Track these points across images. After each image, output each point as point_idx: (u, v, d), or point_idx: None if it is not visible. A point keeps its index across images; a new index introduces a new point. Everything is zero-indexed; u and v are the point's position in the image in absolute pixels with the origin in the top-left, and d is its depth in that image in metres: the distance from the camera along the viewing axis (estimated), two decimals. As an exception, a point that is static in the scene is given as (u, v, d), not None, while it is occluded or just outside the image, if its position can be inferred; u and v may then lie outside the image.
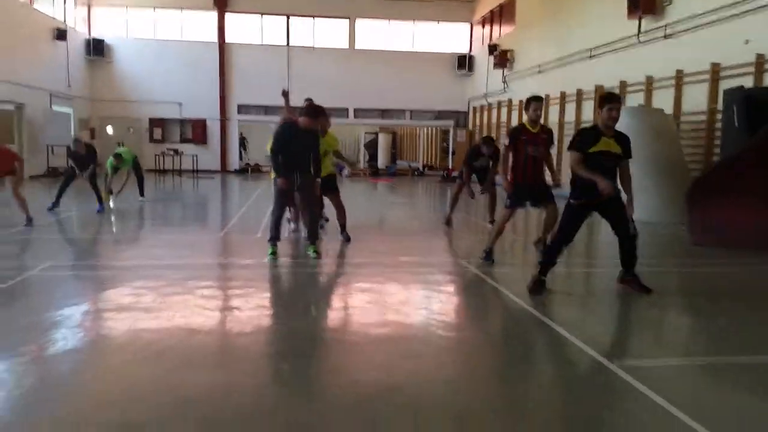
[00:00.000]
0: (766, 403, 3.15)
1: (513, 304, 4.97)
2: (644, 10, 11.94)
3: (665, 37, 11.61)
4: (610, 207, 5.11)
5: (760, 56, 9.24)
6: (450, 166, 23.29)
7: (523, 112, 6.52)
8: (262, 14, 23.71)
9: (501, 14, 21.50)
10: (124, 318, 4.32)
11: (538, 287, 5.14)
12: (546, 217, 6.62)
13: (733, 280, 6.09)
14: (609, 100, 4.98)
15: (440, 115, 24.68)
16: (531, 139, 6.26)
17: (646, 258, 6.09)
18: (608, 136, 5.00)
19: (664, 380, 3.35)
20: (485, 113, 22.26)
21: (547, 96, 16.80)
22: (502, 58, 20.11)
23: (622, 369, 3.44)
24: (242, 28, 23.65)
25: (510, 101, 19.60)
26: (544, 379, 3.49)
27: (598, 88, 14.07)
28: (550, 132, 6.54)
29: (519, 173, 6.32)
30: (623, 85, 13.05)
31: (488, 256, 6.33)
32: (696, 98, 10.72)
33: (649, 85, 12.13)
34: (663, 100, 11.51)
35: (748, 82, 9.24)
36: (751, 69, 9.36)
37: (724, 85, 9.75)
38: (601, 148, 4.96)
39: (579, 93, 15.07)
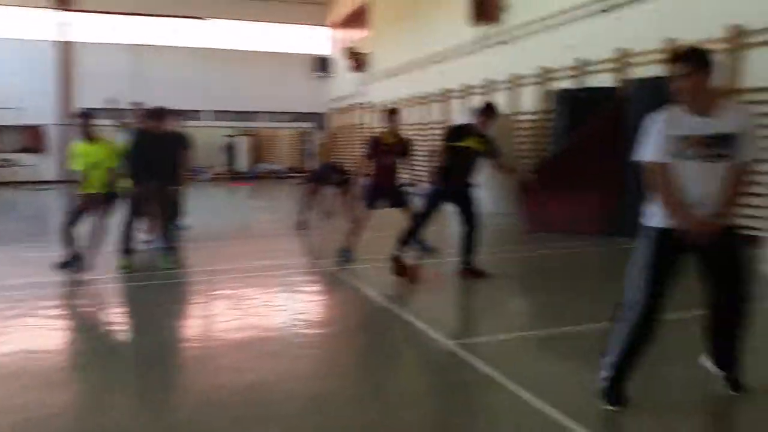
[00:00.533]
0: (577, 365, 3.69)
1: (368, 299, 5.28)
2: (485, 18, 12.91)
3: (502, 43, 12.66)
4: (462, 198, 5.71)
5: (579, 60, 10.41)
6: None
7: (384, 120, 6.86)
8: (110, 13, 22.28)
9: (356, 18, 22.06)
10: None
11: (398, 269, 5.73)
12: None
13: (557, 262, 6.91)
14: (488, 110, 5.85)
15: (300, 117, 24.76)
16: (388, 148, 6.63)
17: (487, 246, 6.69)
18: (476, 135, 5.79)
19: (495, 353, 3.81)
20: (345, 115, 22.72)
21: (401, 99, 17.59)
22: (358, 61, 20.65)
23: (461, 347, 3.86)
24: (89, 26, 22.05)
25: (368, 104, 20.19)
26: (394, 363, 3.81)
27: (446, 91, 14.99)
28: (406, 142, 6.98)
29: (376, 179, 6.69)
30: (467, 87, 14.02)
31: (346, 255, 6.61)
32: (529, 99, 11.83)
33: (490, 87, 13.16)
34: (501, 101, 12.56)
35: (571, 84, 10.39)
36: (573, 72, 10.53)
37: (553, 86, 10.86)
38: (466, 144, 5.76)
39: (429, 96, 15.93)
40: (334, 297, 5.61)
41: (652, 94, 7.69)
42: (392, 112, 6.84)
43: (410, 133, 16.91)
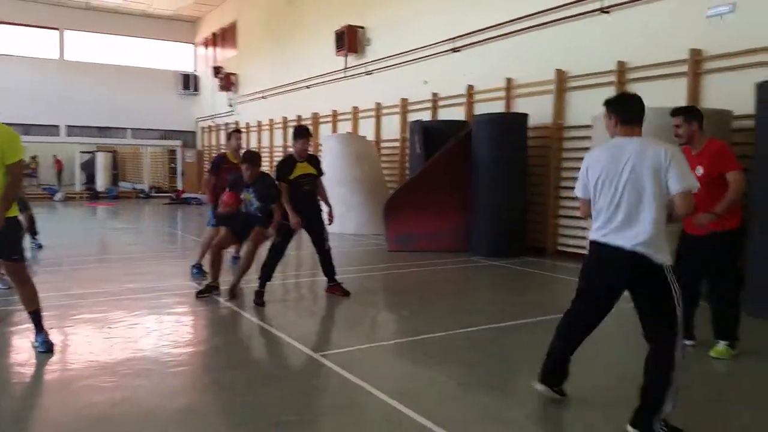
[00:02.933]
0: (426, 367, 4.26)
1: (236, 317, 5.57)
2: (349, 48, 13.65)
3: (367, 73, 13.44)
4: (312, 226, 6.13)
5: (434, 94, 11.40)
6: (180, 188, 22.87)
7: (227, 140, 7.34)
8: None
9: (224, 37, 22.02)
10: None
11: (260, 299, 5.89)
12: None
13: (415, 278, 7.59)
14: (302, 134, 6.08)
15: (166, 134, 24.10)
16: (231, 168, 6.94)
17: (355, 265, 7.24)
18: (302, 161, 6.07)
19: (355, 361, 4.28)
20: (213, 134, 22.50)
21: (271, 120, 17.86)
22: (226, 80, 20.63)
23: (325, 357, 4.30)
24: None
25: (237, 123, 20.21)
26: (262, 375, 4.14)
27: (315, 116, 15.54)
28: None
29: (217, 196, 6.92)
30: (335, 113, 14.67)
31: (198, 268, 7.18)
32: (392, 127, 12.68)
33: (356, 114, 13.88)
34: (367, 128, 13.33)
35: (427, 116, 11.34)
36: (429, 105, 11.50)
37: (411, 117, 11.77)
38: (300, 173, 6.01)
39: (299, 119, 16.38)
40: (203, 316, 5.80)
41: (491, 128, 8.78)
42: (232, 133, 7.28)
43: (282, 155, 17.28)
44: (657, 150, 2.95)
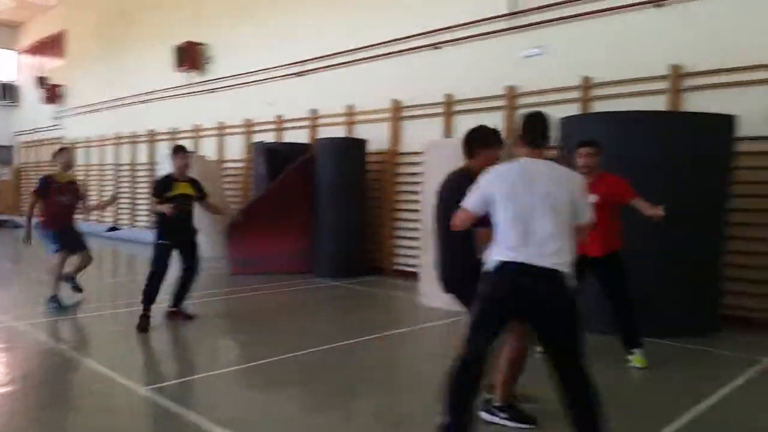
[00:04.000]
0: (263, 392, 4.27)
1: (55, 352, 5.14)
2: (189, 64, 13.26)
3: (209, 91, 13.14)
4: (185, 246, 6.10)
5: (278, 117, 11.46)
6: (-7, 208, 20.45)
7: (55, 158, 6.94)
8: None
9: (50, 45, 20.23)
10: None
11: (145, 324, 5.76)
12: (80, 260, 6.97)
13: (258, 301, 7.55)
14: (182, 150, 6.07)
15: (-22, 149, 21.49)
16: (61, 187, 6.62)
17: (197, 290, 6.99)
18: (182, 181, 6.01)
19: (187, 393, 4.17)
20: (34, 150, 20.49)
21: (102, 136, 16.72)
22: (52, 92, 18.97)
23: (154, 391, 4.11)
24: None
25: (62, 139, 18.61)
26: (83, 416, 3.87)
27: (151, 133, 14.83)
28: (80, 183, 7.06)
29: (49, 220, 6.56)
30: (174, 131, 14.12)
31: (55, 301, 6.60)
32: (235, 147, 12.49)
33: (198, 133, 13.49)
34: (209, 147, 13.00)
35: (272, 137, 11.36)
36: (274, 126, 11.54)
37: (256, 137, 11.71)
38: (179, 192, 5.95)
39: (134, 135, 15.52)
40: (15, 353, 5.29)
41: (333, 152, 9.06)
42: (59, 151, 6.89)
43: (112, 173, 16.21)
44: (572, 177, 3.03)
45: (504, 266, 2.88)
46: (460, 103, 8.62)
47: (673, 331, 5.59)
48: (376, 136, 9.49)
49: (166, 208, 5.74)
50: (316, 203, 9.12)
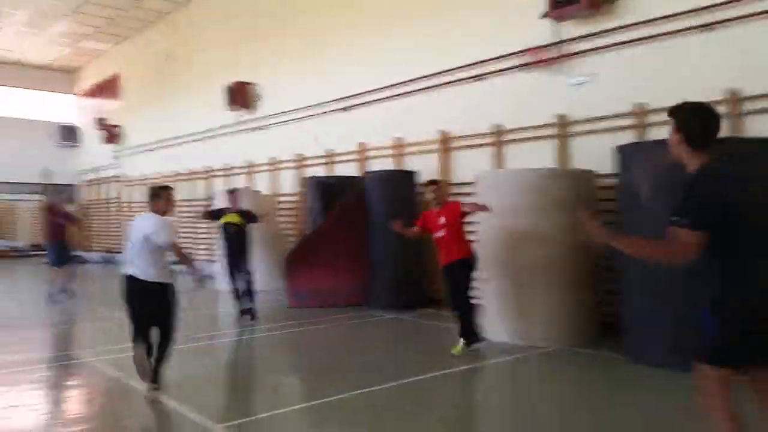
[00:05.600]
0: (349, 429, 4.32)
1: (128, 389, 5.35)
2: (240, 103, 13.77)
3: (259, 128, 13.59)
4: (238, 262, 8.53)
5: (328, 151, 11.75)
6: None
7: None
8: None
9: (107, 88, 21.29)
10: None
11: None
12: None
13: (318, 336, 7.67)
14: (231, 191, 8.71)
15: (45, 188, 22.60)
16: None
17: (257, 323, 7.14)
18: (232, 212, 8.49)
19: (263, 429, 4.26)
20: (97, 188, 21.48)
21: (159, 174, 17.41)
22: (110, 132, 19.91)
23: (229, 429, 4.23)
24: None
25: (122, 177, 19.48)
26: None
27: (207, 169, 15.38)
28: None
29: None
30: (229, 168, 14.61)
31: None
32: (288, 182, 12.83)
33: (251, 168, 13.92)
34: (263, 182, 13.39)
35: (323, 171, 11.64)
36: (324, 161, 11.82)
37: (308, 171, 12.02)
38: (227, 220, 8.42)
39: (191, 172, 16.11)
40: (93, 389, 5.56)
41: (383, 184, 9.23)
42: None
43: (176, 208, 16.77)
44: None
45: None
46: (510, 133, 8.68)
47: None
48: (425, 168, 9.61)
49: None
50: (369, 235, 9.26)
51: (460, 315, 6.26)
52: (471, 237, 6.78)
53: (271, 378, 5.92)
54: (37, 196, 22.49)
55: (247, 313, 8.32)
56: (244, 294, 8.35)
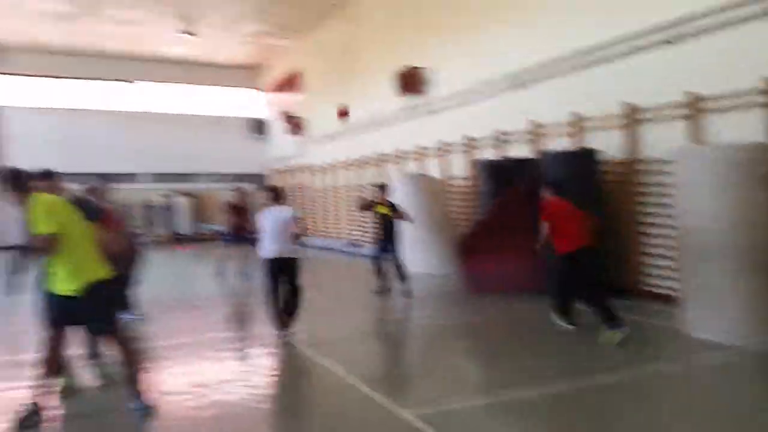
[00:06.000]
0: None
1: (323, 369, 5.71)
2: (410, 89, 13.96)
3: (430, 112, 13.67)
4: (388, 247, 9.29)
5: (499, 132, 11.45)
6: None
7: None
8: (39, 76, 22.26)
9: (290, 83, 22.88)
10: None
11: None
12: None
13: (498, 322, 7.52)
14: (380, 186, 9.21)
15: (239, 177, 25.09)
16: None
17: (430, 307, 7.15)
18: (382, 204, 9.44)
19: (455, 423, 4.18)
20: (282, 177, 23.28)
21: (339, 161, 18.32)
22: (294, 124, 21.38)
23: (419, 418, 4.24)
24: (17, 90, 21.95)
25: (306, 165, 20.88)
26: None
27: (380, 156, 15.87)
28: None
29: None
30: (400, 153, 14.94)
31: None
32: (458, 165, 12.78)
33: (422, 153, 14.09)
34: (434, 167, 13.49)
35: (493, 154, 11.39)
36: (494, 142, 11.56)
37: (478, 154, 11.86)
38: (378, 210, 9.54)
39: (365, 159, 16.76)
40: (291, 369, 5.98)
41: (561, 165, 8.73)
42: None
43: (348, 194, 17.63)
44: None
45: None
46: (707, 101, 7.71)
47: None
48: (607, 145, 8.94)
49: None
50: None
51: (596, 302, 6.39)
52: (670, 221, 6.15)
53: (455, 366, 5.89)
54: (230, 185, 25.13)
55: (407, 294, 9.21)
56: (397, 276, 9.36)
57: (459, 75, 12.61)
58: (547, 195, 7.05)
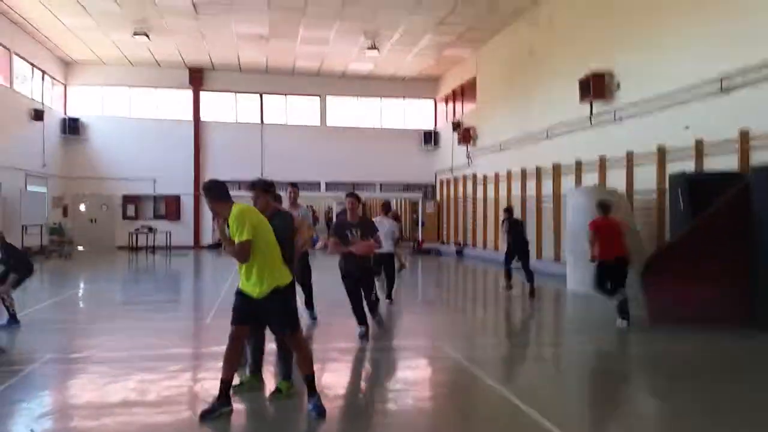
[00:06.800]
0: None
1: (482, 384, 5.38)
2: (595, 95, 13.03)
3: (616, 119, 12.65)
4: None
5: (699, 142, 10.22)
6: (420, 238, 23.98)
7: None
8: (236, 92, 24.71)
9: (463, 92, 22.81)
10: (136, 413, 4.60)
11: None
12: None
13: (691, 356, 6.59)
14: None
15: (409, 187, 25.61)
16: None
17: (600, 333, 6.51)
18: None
19: None
20: (452, 186, 23.24)
21: (509, 172, 17.76)
22: (465, 134, 21.24)
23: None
24: (217, 106, 24.55)
25: (474, 176, 20.60)
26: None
27: (556, 166, 15.05)
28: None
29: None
30: (578, 164, 14.02)
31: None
32: (646, 178, 11.64)
33: (602, 164, 13.09)
34: (616, 179, 12.44)
35: (690, 166, 10.16)
36: (692, 153, 10.32)
37: (670, 167, 10.69)
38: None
39: (538, 170, 16.02)
40: (453, 382, 5.75)
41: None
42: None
43: (518, 204, 17.00)
44: None
45: None
46: None
47: None
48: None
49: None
50: (753, 242, 7.66)
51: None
52: None
53: (634, 403, 5.28)
54: (404, 194, 25.74)
55: (531, 294, 10.62)
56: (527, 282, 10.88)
57: (652, 77, 11.49)
58: None
